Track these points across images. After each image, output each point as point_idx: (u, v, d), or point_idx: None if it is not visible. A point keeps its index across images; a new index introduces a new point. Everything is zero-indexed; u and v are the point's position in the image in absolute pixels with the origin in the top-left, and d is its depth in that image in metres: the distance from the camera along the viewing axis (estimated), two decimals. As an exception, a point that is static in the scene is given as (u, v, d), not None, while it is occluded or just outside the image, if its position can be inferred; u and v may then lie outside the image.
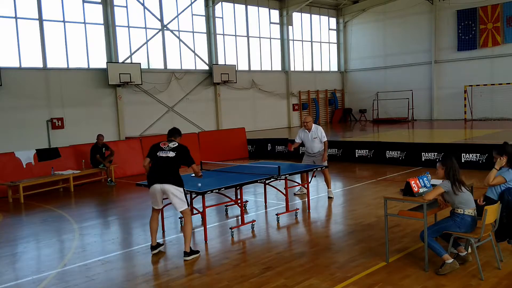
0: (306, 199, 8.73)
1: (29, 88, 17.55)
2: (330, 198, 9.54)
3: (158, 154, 6.31)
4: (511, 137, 13.55)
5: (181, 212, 6.33)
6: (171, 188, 6.14)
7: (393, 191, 6.13)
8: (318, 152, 9.52)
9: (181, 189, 6.22)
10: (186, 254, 6.15)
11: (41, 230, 8.35)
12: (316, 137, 9.43)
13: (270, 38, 27.22)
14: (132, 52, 20.88)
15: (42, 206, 10.28)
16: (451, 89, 26.48)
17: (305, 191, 9.92)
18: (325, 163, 9.43)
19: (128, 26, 20.74)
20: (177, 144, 6.38)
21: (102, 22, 19.78)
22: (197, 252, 6.30)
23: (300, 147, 11.08)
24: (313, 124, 9.60)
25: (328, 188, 9.63)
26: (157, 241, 6.54)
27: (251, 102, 25.88)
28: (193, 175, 6.82)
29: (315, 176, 9.77)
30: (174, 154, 6.24)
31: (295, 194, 9.91)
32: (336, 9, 30.98)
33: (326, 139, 9.47)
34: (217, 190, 6.79)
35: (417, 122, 26.64)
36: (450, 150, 12.50)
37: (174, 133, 6.55)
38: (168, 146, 6.34)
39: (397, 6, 28.05)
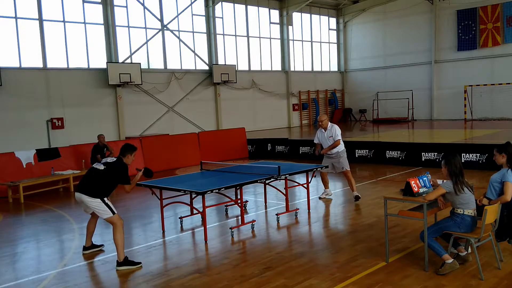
0: (306, 199, 8.72)
1: (29, 88, 17.55)
2: (356, 198, 9.15)
3: (93, 165, 6.42)
4: (511, 137, 13.52)
5: (106, 220, 6.12)
6: (85, 198, 6.06)
7: (393, 191, 6.13)
8: (336, 153, 9.25)
9: (98, 200, 6.02)
10: (118, 263, 5.90)
11: (41, 230, 8.35)
12: (331, 136, 9.18)
13: (270, 38, 27.22)
14: (132, 52, 20.88)
15: (42, 206, 10.28)
16: (451, 89, 26.48)
17: (331, 194, 9.65)
18: (347, 167, 9.26)
19: (128, 26, 20.75)
20: (114, 160, 6.26)
21: (102, 22, 19.78)
22: (136, 263, 5.93)
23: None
24: (329, 123, 9.30)
25: (353, 191, 9.27)
26: (100, 244, 6.76)
27: (251, 102, 25.87)
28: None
29: (315, 176, 9.75)
30: (103, 168, 6.16)
31: (320, 198, 9.57)
32: (336, 9, 30.98)
33: (339, 138, 9.20)
34: (217, 190, 6.78)
35: (417, 122, 26.63)
36: (450, 150, 12.49)
37: (123, 151, 6.29)
38: (106, 159, 6.41)
39: (397, 6, 28.06)
